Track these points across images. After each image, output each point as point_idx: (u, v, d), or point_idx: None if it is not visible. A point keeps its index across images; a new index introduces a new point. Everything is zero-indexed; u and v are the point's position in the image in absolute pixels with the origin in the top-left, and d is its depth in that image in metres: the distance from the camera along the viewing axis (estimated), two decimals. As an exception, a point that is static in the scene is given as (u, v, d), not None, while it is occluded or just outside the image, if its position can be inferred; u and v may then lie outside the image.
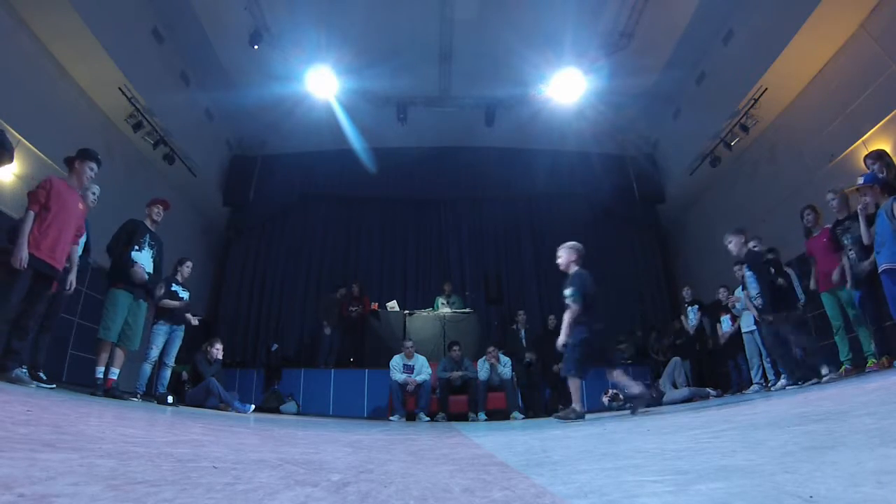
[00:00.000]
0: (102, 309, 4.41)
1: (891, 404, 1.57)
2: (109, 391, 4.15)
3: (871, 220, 4.02)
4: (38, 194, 3.56)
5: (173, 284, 5.32)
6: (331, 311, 8.31)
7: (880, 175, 3.94)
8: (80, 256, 4.28)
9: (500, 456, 1.39)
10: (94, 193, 4.39)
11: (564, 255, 3.93)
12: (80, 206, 3.89)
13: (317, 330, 8.52)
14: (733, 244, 4.85)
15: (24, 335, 3.57)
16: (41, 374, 4.01)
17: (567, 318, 3.69)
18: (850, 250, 4.38)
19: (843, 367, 4.75)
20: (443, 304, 8.44)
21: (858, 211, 4.19)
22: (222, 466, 0.97)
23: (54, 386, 3.92)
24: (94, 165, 3.93)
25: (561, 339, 3.74)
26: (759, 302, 4.79)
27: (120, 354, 4.37)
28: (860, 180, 4.16)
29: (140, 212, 4.89)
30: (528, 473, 0.97)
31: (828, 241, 4.84)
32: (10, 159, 3.58)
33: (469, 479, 0.94)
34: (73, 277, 4.02)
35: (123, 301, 4.34)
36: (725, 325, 6.50)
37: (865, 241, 4.17)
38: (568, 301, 3.69)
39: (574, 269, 3.86)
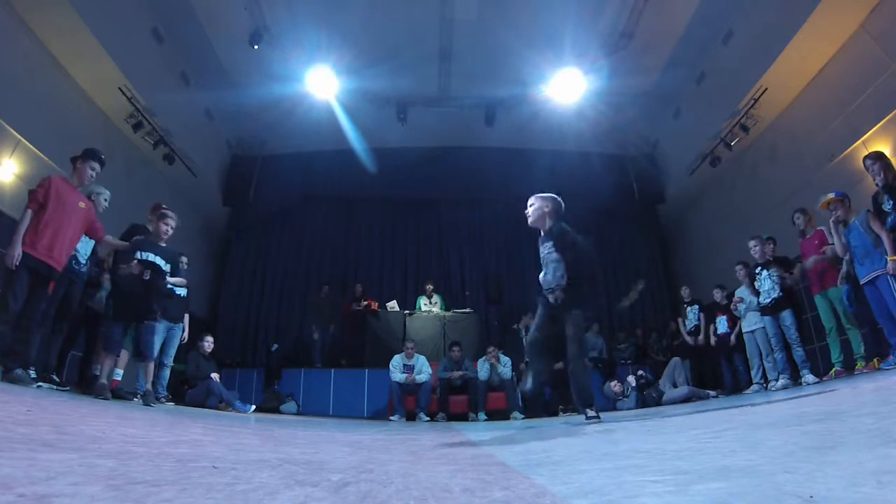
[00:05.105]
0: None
1: (891, 404, 1.57)
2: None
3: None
4: (36, 193, 3.61)
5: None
6: (320, 311, 8.35)
7: (878, 177, 3.98)
8: (88, 260, 4.28)
9: (500, 456, 1.39)
10: (105, 199, 4.47)
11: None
12: (82, 204, 3.89)
13: (305, 331, 8.58)
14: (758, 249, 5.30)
15: (26, 335, 3.57)
16: (54, 377, 4.03)
17: None
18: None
19: (834, 369, 4.78)
20: (425, 303, 8.34)
21: (830, 223, 4.50)
22: (222, 466, 0.97)
23: (69, 389, 3.93)
24: (95, 165, 3.99)
25: None
26: None
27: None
28: (831, 194, 4.47)
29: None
30: (529, 473, 0.97)
31: (819, 244, 4.90)
32: None
33: (469, 479, 0.93)
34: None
35: None
36: (721, 325, 6.48)
37: (839, 251, 4.48)
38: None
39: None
